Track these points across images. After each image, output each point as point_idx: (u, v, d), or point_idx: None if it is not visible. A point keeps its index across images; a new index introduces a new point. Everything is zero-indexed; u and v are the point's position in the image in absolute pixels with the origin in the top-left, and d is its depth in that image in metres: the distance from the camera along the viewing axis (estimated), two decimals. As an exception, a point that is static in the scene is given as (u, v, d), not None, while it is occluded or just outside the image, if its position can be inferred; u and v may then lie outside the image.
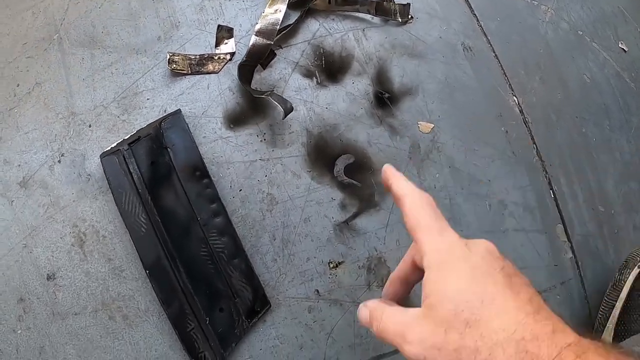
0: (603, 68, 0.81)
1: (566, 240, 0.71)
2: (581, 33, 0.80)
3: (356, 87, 0.62)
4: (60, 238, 0.53)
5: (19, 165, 0.56)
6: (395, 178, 0.37)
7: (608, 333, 0.67)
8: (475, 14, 0.71)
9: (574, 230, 0.72)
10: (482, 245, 0.33)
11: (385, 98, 0.62)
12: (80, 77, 0.60)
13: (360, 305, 0.37)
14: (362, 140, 0.60)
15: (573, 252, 0.71)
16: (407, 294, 0.38)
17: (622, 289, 0.67)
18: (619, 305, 0.66)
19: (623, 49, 0.85)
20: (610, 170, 0.78)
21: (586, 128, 0.76)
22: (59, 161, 0.56)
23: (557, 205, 0.71)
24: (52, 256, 0.53)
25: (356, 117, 0.61)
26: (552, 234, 0.70)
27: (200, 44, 0.62)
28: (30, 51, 0.61)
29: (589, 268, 0.71)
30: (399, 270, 0.39)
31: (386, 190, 0.38)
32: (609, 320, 0.67)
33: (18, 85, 0.59)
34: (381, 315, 0.35)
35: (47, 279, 0.52)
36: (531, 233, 0.68)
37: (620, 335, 0.66)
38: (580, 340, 0.28)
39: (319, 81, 0.61)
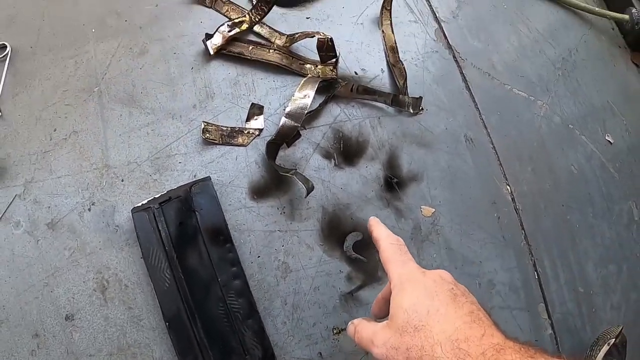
0: (590, 159, 0.89)
1: (547, 318, 0.77)
2: (572, 127, 0.88)
3: (369, 170, 0.69)
4: (83, 282, 0.57)
5: (49, 207, 0.60)
6: (375, 226, 0.50)
7: None
8: (478, 108, 0.79)
9: (555, 309, 0.79)
10: (436, 272, 0.44)
11: (393, 183, 0.69)
12: (117, 132, 0.66)
13: (349, 322, 0.48)
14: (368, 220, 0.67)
15: (553, 329, 0.78)
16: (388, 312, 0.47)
17: None
18: None
19: (609, 141, 0.93)
20: (591, 254, 0.86)
21: (571, 215, 0.84)
22: (89, 209, 0.61)
23: (540, 286, 0.78)
24: (73, 298, 0.56)
25: (367, 198, 0.68)
26: (534, 312, 0.77)
27: (232, 117, 0.69)
28: (70, 99, 0.66)
29: (567, 344, 0.78)
30: (381, 293, 0.51)
31: (369, 236, 0.48)
32: None
33: (55, 130, 0.65)
34: (360, 327, 0.46)
35: (66, 319, 0.56)
36: (515, 310, 0.75)
37: None
38: (505, 341, 0.37)
39: (337, 163, 0.68)
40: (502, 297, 0.74)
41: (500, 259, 0.75)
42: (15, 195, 0.60)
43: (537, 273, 0.78)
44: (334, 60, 0.69)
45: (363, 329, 0.46)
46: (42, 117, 0.65)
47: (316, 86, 0.66)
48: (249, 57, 0.70)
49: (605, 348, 0.74)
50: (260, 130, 0.67)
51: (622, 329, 0.74)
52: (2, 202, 0.60)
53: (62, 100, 0.66)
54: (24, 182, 0.61)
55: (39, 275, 0.57)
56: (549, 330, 0.77)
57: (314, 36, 0.68)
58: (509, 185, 0.78)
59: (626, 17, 1.03)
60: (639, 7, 1.02)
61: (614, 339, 0.74)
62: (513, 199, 0.78)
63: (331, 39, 0.67)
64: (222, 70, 0.70)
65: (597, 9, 1.01)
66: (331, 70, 0.70)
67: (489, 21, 0.88)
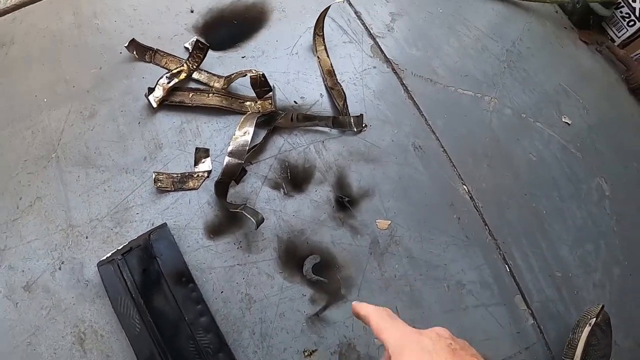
0: (548, 144, 0.89)
1: (526, 308, 0.77)
2: (524, 115, 0.89)
3: (319, 194, 0.71)
4: (62, 337, 0.60)
5: (23, 271, 0.64)
6: (360, 306, 0.48)
7: None
8: (423, 115, 0.80)
9: (533, 298, 0.78)
10: (433, 331, 0.43)
11: (345, 202, 0.71)
12: (77, 193, 0.69)
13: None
14: (327, 242, 0.69)
15: (534, 318, 0.77)
16: None
17: (577, 347, 0.72)
18: None
19: (567, 122, 0.93)
20: (564, 237, 0.85)
21: (537, 203, 0.84)
22: (60, 268, 0.64)
23: (514, 278, 0.78)
24: (55, 354, 0.59)
25: (320, 221, 0.70)
26: (512, 305, 0.76)
27: (181, 163, 0.72)
28: (31, 167, 0.70)
29: (552, 330, 0.77)
30: None
31: (357, 318, 0.49)
32: None
33: (20, 199, 0.68)
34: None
35: (51, 375, 0.57)
36: (491, 307, 0.75)
37: None
38: None
39: (286, 192, 0.70)
40: (475, 295, 0.74)
41: (466, 258, 0.75)
42: None
43: (508, 266, 0.78)
44: (270, 93, 0.72)
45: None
46: (7, 188, 0.69)
47: (254, 122, 0.69)
48: (190, 104, 0.73)
49: (587, 329, 0.73)
50: (209, 172, 0.70)
51: (602, 307, 0.74)
52: None
53: (24, 169, 0.70)
54: None
55: (22, 336, 0.60)
56: (531, 321, 0.77)
57: (246, 74, 0.71)
58: (465, 185, 0.78)
59: (568, -3, 1.04)
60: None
61: (594, 319, 0.74)
62: (472, 198, 0.78)
63: (263, 74, 0.70)
64: (167, 121, 0.73)
65: (537, -5, 1.02)
66: (270, 104, 0.73)
67: (425, 28, 0.90)
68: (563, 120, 0.93)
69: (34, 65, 0.79)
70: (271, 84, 0.72)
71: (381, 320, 0.46)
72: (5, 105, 0.76)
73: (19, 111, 0.74)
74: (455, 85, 0.86)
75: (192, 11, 0.81)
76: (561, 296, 0.81)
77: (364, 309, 0.48)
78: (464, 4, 0.95)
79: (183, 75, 0.74)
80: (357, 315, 0.49)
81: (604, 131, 0.97)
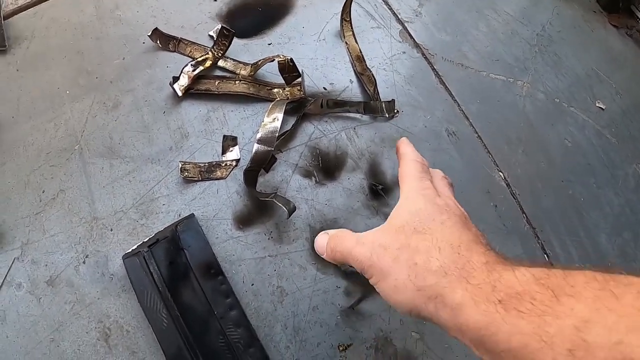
0: (583, 130, 0.86)
1: (566, 299, 0.74)
2: (558, 100, 0.85)
3: (352, 182, 0.68)
4: (86, 333, 0.58)
5: (46, 265, 0.62)
6: (403, 144, 0.47)
7: None
8: (456, 100, 0.77)
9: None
10: (454, 202, 0.41)
11: (379, 190, 0.68)
12: (100, 185, 0.67)
13: (319, 234, 0.44)
14: (361, 231, 0.66)
15: (574, 310, 0.74)
16: None
17: None
18: None
19: (601, 107, 0.90)
20: (601, 225, 0.82)
21: (573, 190, 0.81)
22: (84, 262, 0.62)
23: (552, 266, 0.75)
24: (79, 349, 0.57)
25: (354, 210, 0.67)
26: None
27: (208, 152, 0.69)
28: (54, 160, 0.68)
29: None
30: None
31: (396, 153, 0.46)
32: None
33: (43, 192, 0.66)
34: (339, 234, 0.42)
35: (74, 371, 0.55)
36: (530, 298, 0.71)
37: None
38: (507, 258, 0.33)
39: (318, 180, 0.68)
40: (514, 286, 0.71)
41: (504, 247, 0.72)
42: (14, 258, 0.62)
43: (547, 255, 0.75)
44: (298, 79, 0.69)
45: (342, 237, 0.41)
46: (30, 181, 0.67)
47: (284, 108, 0.66)
48: (216, 92, 0.70)
49: None
50: (237, 160, 0.68)
51: None
52: (3, 266, 0.61)
53: (47, 162, 0.68)
54: (21, 244, 0.63)
55: (45, 332, 0.58)
56: (571, 313, 0.73)
57: (274, 60, 0.68)
58: (501, 172, 0.75)
59: (597, -19, 1.00)
60: (609, -31, 1.00)
61: None
62: (508, 184, 0.75)
63: (291, 59, 0.67)
64: (193, 109, 0.71)
65: (565, -21, 0.99)
66: (298, 90, 0.70)
67: (454, 12, 0.87)
68: (597, 105, 0.89)
69: (56, 59, 0.77)
70: (299, 70, 0.69)
71: (411, 166, 0.44)
72: (27, 98, 0.74)
73: (41, 104, 0.73)
74: (486, 70, 0.82)
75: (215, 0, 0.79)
76: (602, 286, 0.78)
77: (404, 147, 0.47)
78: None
79: (208, 63, 0.71)
80: (397, 150, 0.48)
81: (638, 116, 0.94)
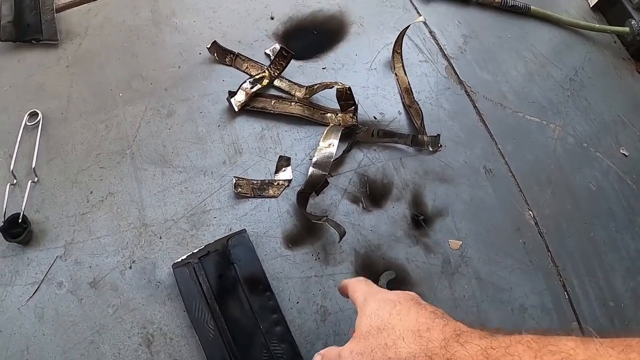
0: (607, 175, 0.92)
1: (581, 335, 0.79)
2: (586, 145, 0.91)
3: (396, 211, 0.73)
4: (128, 337, 0.60)
5: (90, 266, 0.64)
6: (343, 281, 0.54)
7: None
8: (494, 139, 0.82)
9: (588, 325, 0.81)
10: (402, 291, 0.46)
11: (420, 220, 0.72)
12: (151, 192, 0.70)
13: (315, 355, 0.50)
14: (402, 258, 0.70)
15: (586, 346, 0.79)
16: None
17: None
18: None
19: (624, 154, 0.96)
20: (617, 267, 0.88)
21: (594, 232, 0.86)
22: (130, 267, 0.65)
23: (572, 305, 0.80)
24: (119, 353, 0.59)
25: (396, 237, 0.71)
26: (568, 331, 0.79)
27: (261, 170, 0.73)
28: (104, 161, 0.71)
29: None
30: None
31: (341, 294, 0.53)
32: None
33: (91, 193, 0.69)
34: (327, 352, 0.48)
35: (113, 374, 0.58)
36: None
37: None
38: (468, 328, 0.38)
39: (365, 206, 0.72)
40: (535, 319, 0.76)
41: (529, 283, 0.77)
42: (57, 257, 0.64)
43: (567, 293, 0.80)
44: (353, 107, 0.73)
45: (329, 352, 0.47)
46: (77, 181, 0.69)
47: (339, 134, 0.70)
48: (272, 111, 0.74)
49: None
50: (289, 181, 0.71)
51: None
52: (44, 263, 0.64)
53: (96, 163, 0.70)
54: (64, 243, 0.65)
55: (84, 333, 0.60)
56: (584, 349, 0.79)
57: (333, 86, 0.72)
58: (531, 210, 0.81)
59: (627, 29, 1.06)
60: (638, 18, 1.06)
61: None
62: (536, 223, 0.80)
63: (349, 87, 0.72)
64: (248, 126, 0.74)
65: (597, 25, 1.05)
66: (351, 117, 0.74)
67: (495, 52, 0.92)
68: (621, 151, 0.95)
69: (109, 59, 0.79)
70: (355, 99, 0.73)
71: (357, 284, 0.51)
72: (78, 96, 0.76)
73: (92, 103, 0.75)
74: (522, 111, 0.88)
75: (272, 18, 0.83)
76: (613, 325, 0.83)
77: (346, 282, 0.54)
78: (530, 30, 0.98)
79: (265, 82, 0.75)
80: (341, 290, 0.54)
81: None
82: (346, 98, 0.72)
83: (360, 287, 0.50)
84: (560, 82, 0.94)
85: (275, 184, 0.70)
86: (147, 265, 0.66)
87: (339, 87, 0.71)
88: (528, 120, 0.87)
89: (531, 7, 0.98)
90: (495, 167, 0.80)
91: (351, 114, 0.74)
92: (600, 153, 0.92)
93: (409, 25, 0.79)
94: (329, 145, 0.69)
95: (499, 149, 0.82)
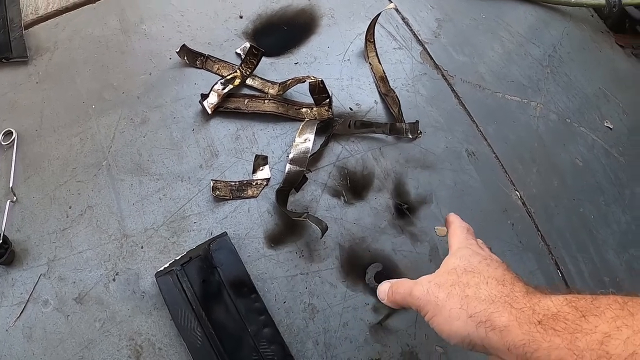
0: (592, 149, 0.90)
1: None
2: (569, 120, 0.89)
3: (378, 202, 0.71)
4: (117, 350, 0.60)
5: (74, 282, 0.63)
6: (451, 215, 0.57)
7: None
8: (474, 121, 0.81)
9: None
10: (496, 257, 0.47)
11: (404, 209, 0.71)
12: (130, 202, 0.68)
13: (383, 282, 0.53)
14: (388, 249, 0.69)
15: (584, 324, 0.78)
16: None
17: None
18: None
19: (609, 127, 0.94)
20: (609, 242, 0.86)
21: (583, 208, 0.85)
22: (114, 279, 0.64)
23: (566, 283, 0.79)
24: None
25: (381, 229, 0.70)
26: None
27: (239, 171, 0.71)
28: (80, 175, 0.69)
29: None
30: None
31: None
32: None
33: (70, 207, 0.68)
34: (398, 282, 0.50)
35: (104, 389, 0.57)
36: (544, 313, 0.75)
37: None
38: (545, 290, 0.40)
39: (346, 199, 0.70)
40: (529, 301, 0.75)
41: (520, 264, 0.75)
42: (40, 275, 0.63)
43: (560, 271, 0.79)
44: (328, 100, 0.72)
45: (402, 282, 0.49)
46: (56, 196, 0.68)
47: (315, 129, 0.69)
48: (245, 111, 0.72)
49: None
50: (268, 179, 0.70)
51: None
52: (29, 282, 0.63)
53: (73, 177, 0.69)
54: (47, 261, 0.64)
55: (73, 350, 0.59)
56: (582, 327, 0.77)
57: (305, 81, 0.71)
58: (517, 191, 0.79)
59: (602, 2, 1.04)
60: (614, -10, 1.04)
61: None
62: (524, 203, 0.79)
63: (322, 81, 0.70)
64: (222, 127, 0.73)
65: (573, 0, 1.03)
66: (327, 110, 0.73)
67: (470, 34, 0.90)
68: (605, 124, 0.94)
69: (80, 71, 0.78)
70: (329, 91, 0.72)
71: (458, 230, 0.53)
72: (51, 111, 0.75)
73: (66, 118, 0.74)
74: (502, 91, 0.86)
75: (241, 17, 0.81)
76: (609, 301, 0.82)
77: (451, 217, 0.57)
78: (506, 10, 0.96)
79: (237, 82, 0.73)
80: (446, 221, 0.57)
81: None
82: (319, 91, 0.70)
83: (460, 234, 0.52)
84: (539, 59, 0.93)
85: (254, 183, 0.69)
86: (131, 276, 0.64)
87: (311, 80, 0.69)
88: (508, 100, 0.85)
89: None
90: (477, 149, 0.78)
91: (326, 107, 0.72)
92: (584, 128, 0.90)
93: (380, 13, 0.77)
94: (305, 141, 0.68)
95: (480, 131, 0.80)
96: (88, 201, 0.68)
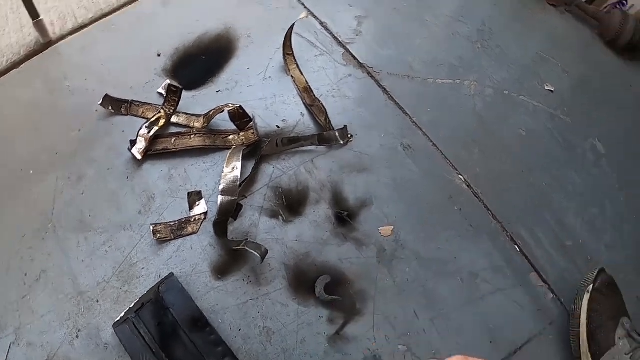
0: (536, 116, 0.89)
1: (543, 284, 0.77)
2: (507, 92, 0.88)
3: (317, 214, 0.71)
4: None
5: (42, 345, 0.64)
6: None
7: (586, 358, 0.73)
8: (407, 113, 0.80)
9: (548, 272, 0.78)
10: None
11: (345, 216, 0.71)
12: (79, 259, 0.69)
13: None
14: (334, 260, 0.69)
15: (553, 292, 0.77)
16: None
17: (580, 316, 0.72)
18: (583, 331, 0.71)
19: (550, 90, 0.93)
20: (567, 206, 0.85)
21: (534, 177, 0.84)
22: (77, 336, 0.65)
23: (526, 257, 0.78)
24: None
25: (323, 240, 0.70)
26: (528, 284, 0.76)
27: (176, 210, 0.72)
28: (30, 242, 0.70)
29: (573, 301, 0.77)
30: None
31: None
32: (581, 347, 0.72)
33: (26, 275, 0.69)
34: None
35: None
36: (507, 290, 0.75)
37: (596, 356, 0.71)
38: None
39: (285, 218, 0.71)
40: (490, 282, 0.74)
41: (474, 247, 0.75)
42: (10, 344, 0.65)
43: (518, 246, 0.78)
44: (251, 123, 0.72)
45: None
46: (11, 266, 0.69)
47: (241, 155, 0.69)
48: (174, 149, 0.73)
49: (586, 297, 0.73)
50: (205, 213, 0.70)
51: (599, 272, 0.73)
52: (1, 353, 0.64)
53: (24, 244, 0.70)
54: (14, 329, 0.65)
55: None
56: (550, 295, 0.77)
57: (224, 110, 0.71)
58: (460, 175, 0.78)
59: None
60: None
61: (592, 285, 0.73)
62: (469, 186, 0.78)
63: (240, 106, 0.70)
64: (155, 170, 0.74)
65: (498, -33, 1.01)
66: (252, 134, 0.73)
67: (394, 25, 0.89)
68: (546, 88, 0.93)
69: (14, 139, 0.79)
70: (250, 114, 0.72)
71: None
72: (-7, 184, 0.76)
73: (7, 187, 0.75)
74: (432, 76, 0.85)
75: (159, 55, 0.81)
76: (576, 265, 0.81)
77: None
78: (429, -6, 0.95)
79: (162, 122, 0.74)
80: None
81: (588, 90, 0.97)
82: (240, 117, 0.70)
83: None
84: (468, 36, 0.92)
85: (192, 220, 0.69)
86: (92, 331, 0.66)
87: (229, 109, 0.70)
88: (440, 84, 0.85)
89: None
90: (413, 141, 0.78)
91: (251, 131, 0.72)
92: (525, 96, 0.89)
93: (293, 25, 0.77)
94: (233, 169, 0.68)
95: (414, 122, 0.80)
96: (41, 265, 0.69)
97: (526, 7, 0.98)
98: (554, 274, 0.79)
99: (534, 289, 0.76)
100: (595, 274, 0.71)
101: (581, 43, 1.01)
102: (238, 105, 0.70)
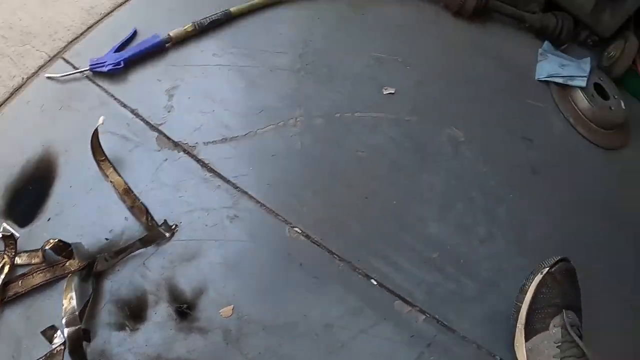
0: (375, 130, 0.86)
1: (410, 308, 0.77)
2: (338, 115, 0.86)
3: (159, 315, 0.75)
4: None
5: None
6: None
7: (519, 333, 0.75)
8: (229, 181, 0.81)
9: (414, 294, 0.78)
10: None
11: (184, 309, 0.74)
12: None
13: None
14: (183, 355, 0.74)
15: (424, 312, 0.77)
16: None
17: (527, 292, 0.75)
18: (524, 307, 0.75)
19: (390, 92, 0.88)
20: (426, 213, 0.83)
21: (380, 199, 0.83)
22: None
23: (385, 287, 0.78)
24: None
25: (169, 337, 0.74)
26: (393, 313, 0.77)
27: (40, 352, 0.74)
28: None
29: (451, 314, 0.76)
30: None
31: None
32: (518, 321, 0.75)
33: None
34: None
35: None
36: (369, 329, 0.76)
37: (528, 335, 0.73)
38: None
39: (132, 327, 0.75)
40: (348, 327, 0.77)
41: (324, 297, 0.77)
42: None
43: (374, 279, 0.78)
44: (69, 249, 0.75)
45: None
46: None
47: (74, 284, 0.73)
48: (23, 292, 0.78)
49: (539, 276, 0.75)
50: (64, 343, 0.75)
51: (560, 260, 0.75)
52: None
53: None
54: None
55: None
56: (422, 317, 0.77)
57: (46, 246, 0.74)
58: (294, 227, 0.79)
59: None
60: None
61: (547, 268, 0.75)
62: (307, 236, 0.79)
63: (58, 240, 0.74)
64: (13, 317, 0.79)
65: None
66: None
67: (204, 86, 0.89)
68: (385, 92, 0.88)
69: None
70: (77, 236, 0.75)
71: None
72: None
73: None
74: (252, 128, 0.84)
75: (-7, 197, 0.85)
76: (447, 273, 0.80)
77: None
78: (239, 36, 0.90)
79: (7, 269, 0.79)
80: None
81: (438, 74, 0.90)
82: (63, 249, 0.74)
83: None
84: (289, 67, 0.89)
85: (55, 352, 0.75)
86: None
87: (49, 246, 0.73)
88: (261, 135, 0.84)
89: (231, 9, 0.90)
90: (240, 209, 0.79)
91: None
92: (360, 111, 0.87)
93: (95, 132, 0.79)
94: (70, 300, 0.73)
95: (238, 188, 0.81)
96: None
97: (354, 7, 0.91)
98: (421, 294, 0.79)
99: (402, 317, 0.77)
100: (556, 259, 0.75)
101: (426, 23, 0.93)
102: (56, 240, 0.73)
